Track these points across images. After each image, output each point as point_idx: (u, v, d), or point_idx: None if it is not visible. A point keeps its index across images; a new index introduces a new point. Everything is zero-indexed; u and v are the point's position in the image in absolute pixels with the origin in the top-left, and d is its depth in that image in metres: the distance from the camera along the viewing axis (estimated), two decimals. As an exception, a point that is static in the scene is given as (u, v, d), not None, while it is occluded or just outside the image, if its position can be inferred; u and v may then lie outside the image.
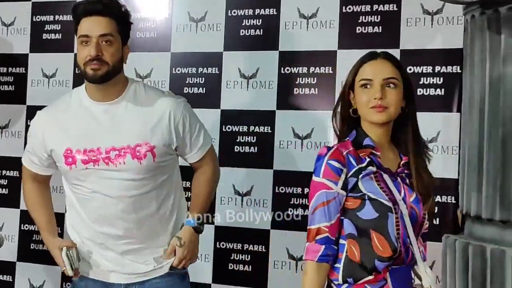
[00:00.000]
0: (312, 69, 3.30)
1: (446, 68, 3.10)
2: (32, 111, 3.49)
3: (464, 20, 2.77)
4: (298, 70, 3.33)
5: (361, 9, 3.25)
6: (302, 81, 3.32)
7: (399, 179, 1.97)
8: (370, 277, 1.89)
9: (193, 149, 2.45)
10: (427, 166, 2.01)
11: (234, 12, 3.47)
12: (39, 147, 2.40)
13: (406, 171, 1.99)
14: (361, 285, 1.90)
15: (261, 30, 3.40)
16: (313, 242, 1.91)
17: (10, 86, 3.86)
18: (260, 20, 3.41)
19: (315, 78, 3.30)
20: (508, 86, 2.49)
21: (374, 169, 1.93)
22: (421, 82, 3.13)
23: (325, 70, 3.28)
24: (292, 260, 3.28)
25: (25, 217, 3.67)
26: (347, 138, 2.00)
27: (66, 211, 2.50)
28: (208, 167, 2.52)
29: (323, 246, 1.90)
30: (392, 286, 1.89)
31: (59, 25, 3.77)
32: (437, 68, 3.12)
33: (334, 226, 1.91)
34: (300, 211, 3.27)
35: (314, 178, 1.94)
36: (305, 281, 1.91)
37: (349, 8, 3.27)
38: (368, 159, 1.95)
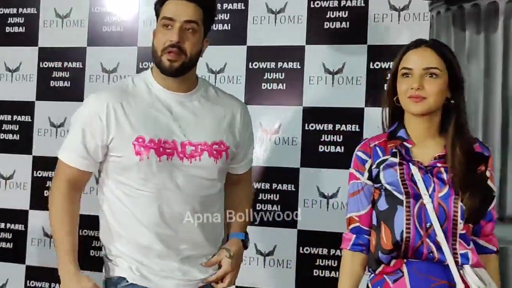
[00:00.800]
0: (280, 64, 3.29)
1: (413, 64, 3.12)
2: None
3: (430, 16, 2.81)
4: (266, 65, 3.32)
5: (329, 4, 3.26)
6: (270, 76, 3.31)
7: (430, 173, 1.87)
8: (385, 268, 1.87)
9: (245, 159, 2.28)
10: (467, 161, 1.85)
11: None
12: (97, 133, 2.04)
13: (445, 165, 1.87)
14: (380, 275, 1.89)
15: (229, 25, 3.39)
16: (347, 231, 1.96)
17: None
18: (228, 14, 3.39)
19: (283, 73, 3.30)
20: (472, 81, 2.53)
21: (396, 160, 1.88)
22: (388, 78, 3.15)
23: (293, 65, 3.28)
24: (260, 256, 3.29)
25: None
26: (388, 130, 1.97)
27: (101, 220, 2.17)
28: (248, 183, 2.37)
29: (355, 235, 1.94)
30: (410, 279, 1.84)
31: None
32: (404, 64, 3.15)
33: (365, 216, 1.93)
34: (268, 207, 3.28)
35: (350, 169, 1.98)
36: (341, 269, 1.97)
37: (317, 4, 3.28)
38: (394, 150, 1.90)
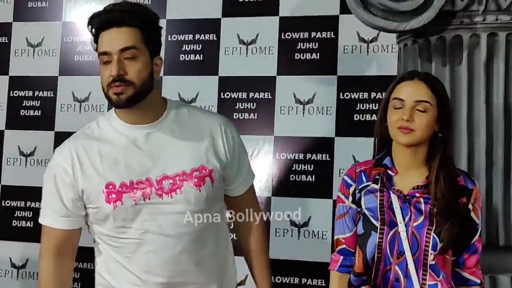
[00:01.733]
0: (251, 94, 3.34)
1: (382, 95, 3.18)
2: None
3: (398, 48, 2.87)
4: (238, 95, 3.36)
5: (299, 36, 3.32)
6: (241, 106, 3.35)
7: (408, 202, 1.89)
8: None
9: (238, 178, 2.05)
10: (449, 192, 1.86)
11: (174, 37, 3.49)
12: (67, 187, 1.89)
13: (423, 195, 1.90)
14: None
15: (201, 55, 3.43)
16: (335, 252, 2.00)
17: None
18: (200, 45, 3.43)
19: (255, 103, 3.34)
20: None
21: (377, 186, 1.93)
22: (357, 108, 3.21)
23: (264, 96, 3.32)
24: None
25: None
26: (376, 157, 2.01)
27: (96, 271, 2.04)
28: (254, 210, 2.09)
29: (342, 257, 1.98)
30: None
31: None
32: (373, 94, 3.22)
33: (350, 238, 1.96)
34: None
35: (338, 192, 2.02)
36: None
37: (288, 35, 3.34)
38: (377, 177, 1.94)
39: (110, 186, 1.86)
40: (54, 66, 3.64)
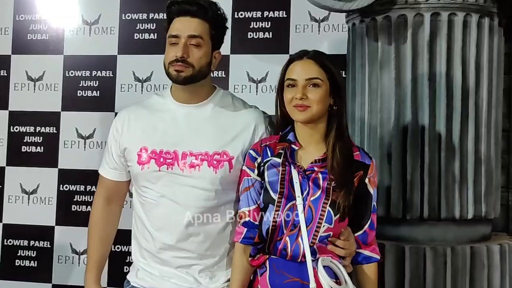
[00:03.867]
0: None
1: (333, 73, 3.26)
2: None
3: (347, 28, 2.94)
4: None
5: (252, 15, 3.36)
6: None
7: (308, 177, 1.98)
8: (252, 261, 2.01)
9: None
10: (344, 163, 1.97)
11: (129, 16, 3.51)
12: (115, 144, 2.21)
13: (321, 170, 1.99)
14: (254, 269, 2.04)
15: (156, 34, 3.45)
16: (239, 225, 2.05)
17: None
18: (154, 24, 3.45)
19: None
20: (384, 89, 2.68)
21: (279, 160, 2.01)
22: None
23: (218, 74, 3.36)
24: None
25: None
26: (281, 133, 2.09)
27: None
28: None
29: (246, 229, 2.03)
30: (269, 274, 1.99)
31: None
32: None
33: (254, 211, 2.03)
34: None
35: (243, 166, 2.08)
36: (233, 261, 2.07)
37: (241, 14, 3.38)
38: (280, 151, 2.02)
39: (143, 150, 2.14)
40: (7, 45, 3.61)
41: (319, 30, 3.31)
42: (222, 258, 2.15)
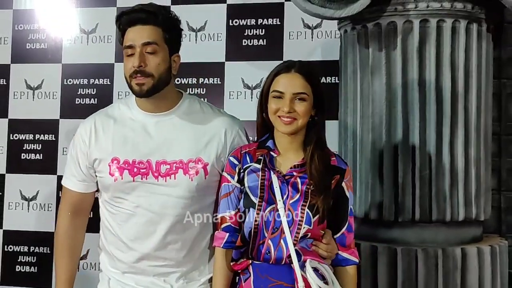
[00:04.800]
0: (201, 80, 3.44)
1: (325, 79, 3.32)
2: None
3: (340, 35, 2.99)
4: (188, 81, 3.46)
5: (246, 22, 3.42)
6: (192, 91, 3.46)
7: (287, 182, 2.04)
8: (235, 265, 2.06)
9: None
10: (322, 169, 2.03)
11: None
12: (83, 157, 2.17)
13: (300, 174, 2.05)
14: (237, 270, 2.08)
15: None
16: (219, 230, 2.09)
17: None
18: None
19: (204, 89, 3.44)
20: (376, 95, 2.73)
21: (258, 166, 2.07)
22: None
23: (213, 81, 3.42)
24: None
25: None
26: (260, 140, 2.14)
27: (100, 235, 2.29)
28: None
29: (227, 234, 2.07)
30: (253, 280, 2.03)
31: None
32: (318, 79, 3.34)
33: (235, 215, 2.07)
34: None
35: (223, 173, 2.13)
36: (215, 266, 2.11)
37: (236, 22, 3.43)
38: (260, 158, 2.08)
39: (115, 161, 2.12)
40: (6, 54, 3.67)
41: (312, 37, 3.36)
42: (198, 262, 2.18)
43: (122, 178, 2.11)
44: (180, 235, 2.13)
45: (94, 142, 2.16)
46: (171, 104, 2.16)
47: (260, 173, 2.06)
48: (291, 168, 2.06)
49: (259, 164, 2.07)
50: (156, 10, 2.11)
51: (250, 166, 2.08)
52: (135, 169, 2.10)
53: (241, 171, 2.09)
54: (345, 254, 2.10)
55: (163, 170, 2.10)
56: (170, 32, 2.13)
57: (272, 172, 2.05)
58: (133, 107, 2.18)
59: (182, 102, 2.18)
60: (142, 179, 2.10)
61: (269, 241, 2.02)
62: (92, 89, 3.59)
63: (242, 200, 2.07)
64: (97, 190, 2.22)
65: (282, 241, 2.01)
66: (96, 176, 2.18)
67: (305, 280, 1.96)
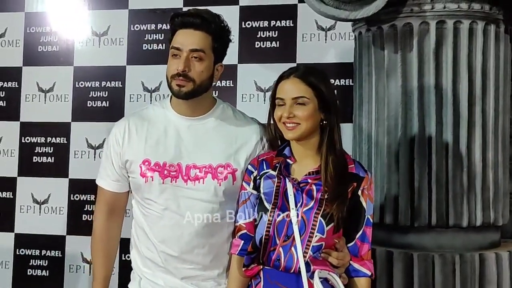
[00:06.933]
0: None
1: (340, 81, 3.28)
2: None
3: (354, 36, 2.96)
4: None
5: (259, 24, 3.39)
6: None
7: (301, 189, 2.01)
8: (246, 271, 2.03)
9: None
10: (337, 176, 1.99)
11: (137, 27, 3.55)
12: (116, 157, 2.19)
13: (315, 181, 2.01)
14: (249, 278, 2.06)
15: (163, 44, 3.48)
16: (236, 237, 2.08)
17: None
18: (162, 35, 3.49)
19: (217, 92, 3.41)
20: (391, 97, 2.69)
21: (274, 173, 2.04)
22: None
23: (226, 84, 3.39)
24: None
25: None
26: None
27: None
28: None
29: (243, 241, 2.06)
30: (263, 286, 2.01)
31: None
32: (331, 81, 3.30)
33: (250, 223, 2.06)
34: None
35: (242, 182, 2.11)
36: (230, 272, 2.10)
37: (248, 24, 3.40)
38: (276, 165, 2.06)
39: (146, 163, 2.14)
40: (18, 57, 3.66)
41: (326, 39, 3.33)
42: (227, 269, 2.16)
43: (152, 180, 2.12)
44: (207, 239, 2.13)
45: (127, 143, 2.18)
46: (205, 109, 2.17)
47: (275, 179, 2.04)
48: (305, 175, 2.03)
49: (275, 171, 2.05)
50: (211, 18, 2.11)
51: (266, 172, 2.06)
52: (166, 172, 2.12)
53: (257, 178, 2.07)
54: (356, 265, 2.05)
55: (192, 174, 2.11)
56: (219, 41, 2.13)
57: (287, 179, 2.02)
58: (168, 109, 2.20)
59: (216, 107, 2.19)
60: (171, 182, 2.11)
61: (280, 249, 1.99)
62: (103, 92, 3.58)
63: (257, 206, 2.05)
64: (131, 191, 2.24)
65: (293, 249, 1.98)
66: (129, 176, 2.20)
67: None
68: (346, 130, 3.13)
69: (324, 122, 2.04)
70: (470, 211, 2.63)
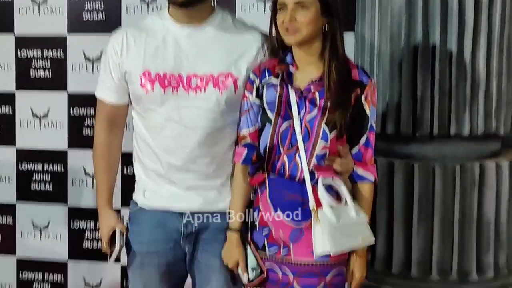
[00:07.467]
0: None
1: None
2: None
3: None
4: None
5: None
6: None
7: (304, 98, 2.00)
8: (251, 179, 2.06)
9: None
10: (340, 82, 1.98)
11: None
12: (115, 65, 2.17)
13: (318, 89, 2.00)
14: (252, 186, 2.09)
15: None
16: (240, 146, 2.09)
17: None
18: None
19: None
20: (395, 5, 2.62)
21: (275, 81, 2.03)
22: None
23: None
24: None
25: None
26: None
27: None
28: None
29: (246, 149, 2.07)
30: (269, 194, 2.04)
31: None
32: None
33: (254, 133, 2.07)
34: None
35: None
36: (234, 181, 2.12)
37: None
38: (278, 72, 2.03)
39: (147, 74, 2.12)
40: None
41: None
42: (229, 178, 2.17)
43: (153, 91, 2.11)
44: (210, 148, 2.13)
45: (126, 54, 2.16)
46: (204, 16, 2.14)
47: (278, 88, 2.02)
48: (308, 83, 2.01)
49: (278, 79, 2.02)
50: None
51: (268, 80, 2.03)
52: (166, 82, 2.10)
53: (260, 86, 2.04)
54: (360, 171, 2.05)
55: (193, 83, 2.10)
56: None
57: (290, 88, 2.00)
58: (166, 19, 2.16)
59: (215, 15, 2.15)
60: (173, 92, 2.11)
61: (284, 157, 2.00)
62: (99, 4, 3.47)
63: (260, 115, 2.04)
64: (131, 103, 2.23)
65: (297, 157, 1.99)
66: (128, 87, 2.19)
67: (317, 198, 1.95)
68: (348, 39, 3.09)
69: (327, 27, 1.99)
70: (472, 120, 2.61)
